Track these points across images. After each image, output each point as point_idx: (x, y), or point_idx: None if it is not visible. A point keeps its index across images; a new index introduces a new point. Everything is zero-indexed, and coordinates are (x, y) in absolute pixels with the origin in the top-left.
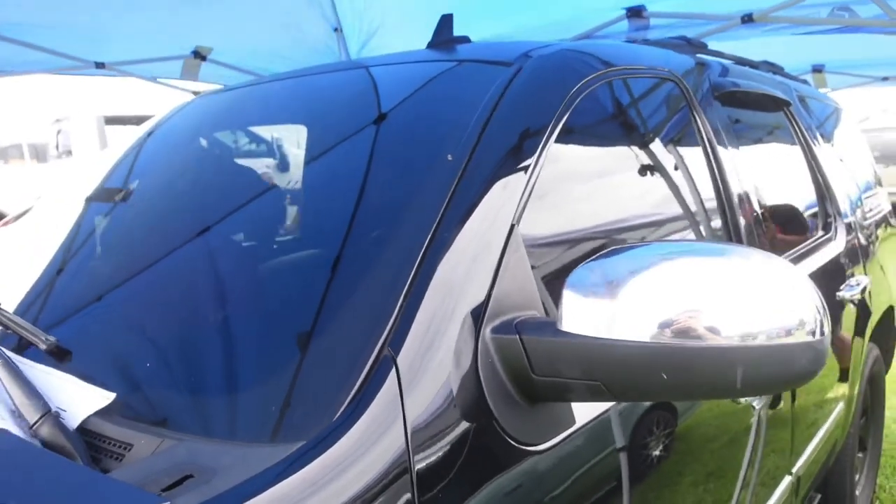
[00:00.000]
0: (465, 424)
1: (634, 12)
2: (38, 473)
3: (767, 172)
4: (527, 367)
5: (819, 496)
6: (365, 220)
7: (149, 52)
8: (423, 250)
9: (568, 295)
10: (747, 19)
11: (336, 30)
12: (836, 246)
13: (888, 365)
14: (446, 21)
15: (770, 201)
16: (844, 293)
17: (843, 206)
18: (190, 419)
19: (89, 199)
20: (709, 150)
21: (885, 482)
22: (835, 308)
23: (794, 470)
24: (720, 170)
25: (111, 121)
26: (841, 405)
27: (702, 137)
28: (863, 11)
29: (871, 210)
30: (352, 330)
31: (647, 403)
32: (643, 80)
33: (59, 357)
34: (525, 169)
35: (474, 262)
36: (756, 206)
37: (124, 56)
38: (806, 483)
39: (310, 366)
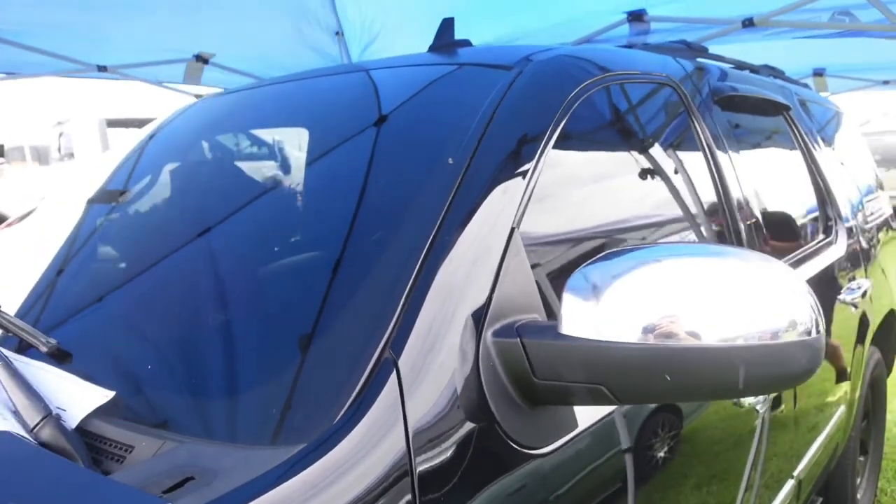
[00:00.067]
0: (466, 427)
1: (635, 16)
2: (40, 475)
3: (768, 176)
4: (528, 370)
5: (820, 499)
6: (366, 222)
7: (151, 55)
8: (424, 253)
9: (568, 298)
10: (748, 23)
11: (337, 33)
12: (837, 250)
13: (889, 368)
14: (447, 25)
15: (770, 205)
16: (845, 297)
17: (844, 209)
18: (191, 421)
19: (91, 202)
20: (708, 154)
21: (886, 485)
22: (836, 312)
23: (795, 473)
24: (719, 174)
25: (113, 123)
26: (842, 409)
27: (700, 142)
28: (863, 16)
29: (872, 214)
30: (353, 332)
31: (650, 406)
32: (641, 85)
33: (59, 359)
34: (525, 172)
35: (475, 266)
36: (756, 211)
37: (127, 59)
38: (807, 486)
39: (311, 368)
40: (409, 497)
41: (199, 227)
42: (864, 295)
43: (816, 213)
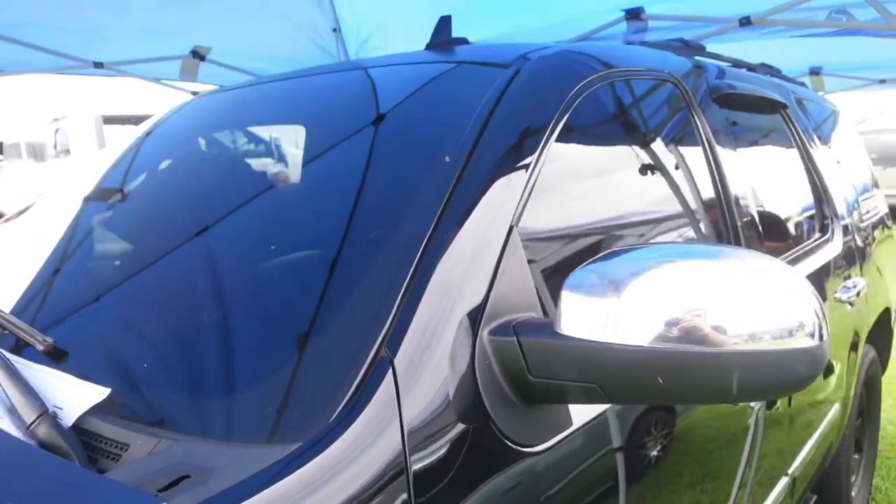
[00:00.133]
0: (461, 426)
1: (633, 14)
2: (35, 474)
3: (765, 174)
4: (524, 368)
5: (815, 497)
6: (363, 220)
7: (147, 51)
8: (420, 252)
9: (566, 297)
10: (745, 22)
11: (335, 30)
12: (832, 248)
13: (884, 367)
14: (445, 22)
15: (767, 203)
16: (841, 295)
17: (840, 208)
18: (187, 420)
19: (87, 199)
20: (707, 151)
21: (880, 483)
22: (831, 310)
23: (790, 471)
24: (718, 171)
25: (109, 120)
26: (837, 407)
27: (700, 139)
28: (860, 15)
29: (868, 212)
30: (349, 330)
31: (644, 405)
32: (642, 81)
33: (56, 358)
34: (523, 170)
35: (472, 264)
36: (753, 208)
37: (123, 56)
38: (802, 484)
39: (307, 366)
40: (404, 495)
41: (195, 225)
42: (859, 293)
43: (813, 211)
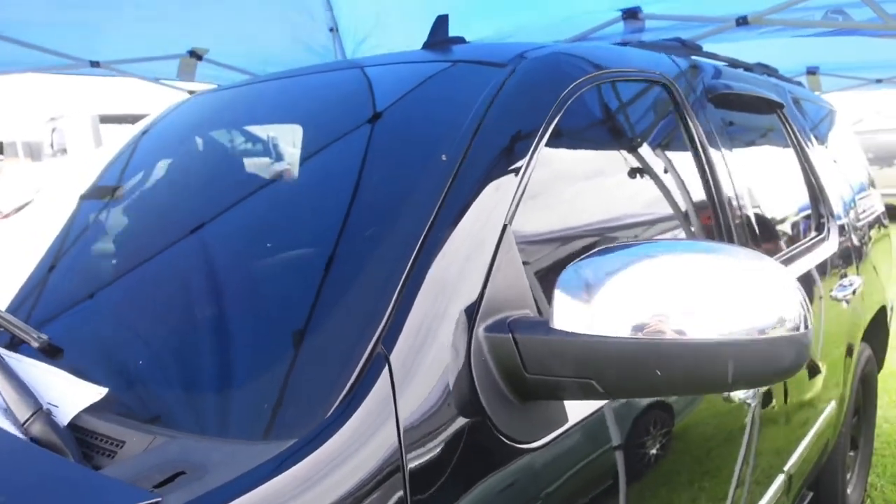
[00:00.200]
0: (457, 422)
1: (630, 14)
2: (30, 470)
3: (761, 174)
4: (519, 365)
5: (811, 494)
6: (359, 218)
7: (144, 51)
8: (416, 249)
9: (559, 294)
10: (742, 21)
11: (332, 30)
12: (828, 247)
13: (880, 365)
14: (441, 22)
15: (763, 203)
16: (837, 293)
17: (836, 207)
18: (182, 416)
19: (83, 198)
20: (700, 152)
21: (876, 481)
22: (827, 308)
23: (786, 468)
24: (712, 171)
25: (106, 120)
26: (833, 404)
27: (692, 140)
28: (856, 14)
29: (864, 211)
30: (345, 328)
31: (641, 401)
32: (635, 82)
33: (51, 355)
34: (518, 169)
35: (467, 262)
36: (748, 208)
37: (120, 55)
38: (798, 481)
39: (302, 363)
40: (400, 492)
41: (191, 223)
42: (855, 292)
43: (809, 211)
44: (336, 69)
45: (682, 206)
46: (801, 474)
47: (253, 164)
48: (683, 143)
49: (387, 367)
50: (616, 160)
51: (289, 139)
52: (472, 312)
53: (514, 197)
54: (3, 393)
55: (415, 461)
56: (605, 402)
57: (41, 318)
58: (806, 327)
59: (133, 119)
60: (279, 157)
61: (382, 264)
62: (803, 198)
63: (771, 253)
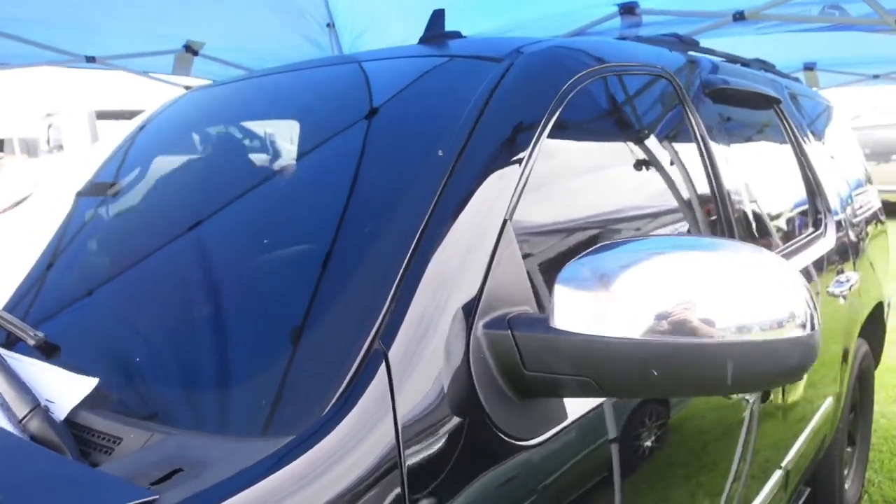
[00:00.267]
0: (455, 419)
1: (627, 9)
2: (28, 467)
3: (758, 169)
4: (518, 362)
5: (808, 490)
6: (356, 214)
7: (140, 46)
8: (414, 245)
9: (559, 291)
10: (739, 17)
11: (329, 25)
12: (826, 243)
13: (877, 361)
14: (438, 16)
15: (760, 199)
16: (834, 289)
17: (833, 203)
18: (180, 413)
19: (80, 194)
20: (700, 146)
21: (873, 476)
22: (824, 304)
23: (783, 464)
24: (712, 166)
25: (103, 115)
26: (830, 400)
27: (693, 134)
28: (853, 10)
29: (861, 207)
30: (342, 324)
31: (639, 398)
32: (635, 76)
33: (47, 352)
34: (517, 164)
35: (466, 257)
36: (747, 203)
37: (115, 50)
38: (795, 477)
39: (300, 360)
40: (398, 489)
41: (187, 219)
42: (852, 288)
43: (806, 206)
44: (333, 64)
45: (682, 200)
46: (799, 470)
47: (249, 160)
48: (683, 137)
49: (384, 363)
50: (616, 155)
51: (285, 134)
52: (470, 309)
53: (513, 192)
54: (1, 390)
55: (413, 458)
56: (604, 399)
57: (38, 316)
58: (813, 328)
59: (130, 115)
60: (276, 153)
61: (380, 260)
62: (800, 194)
63: (769, 248)
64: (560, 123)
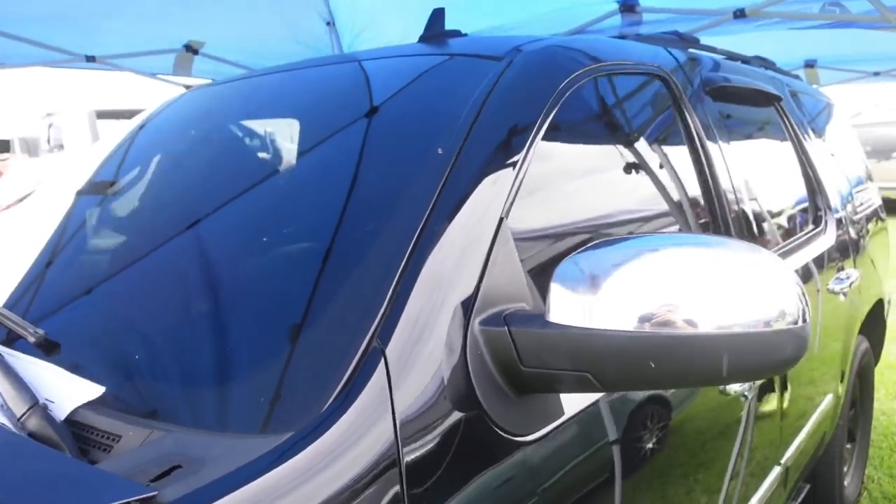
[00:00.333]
0: (453, 416)
1: (627, 7)
2: (26, 465)
3: (758, 167)
4: (515, 358)
5: (808, 487)
6: (355, 212)
7: (141, 45)
8: (412, 243)
9: (555, 287)
10: (739, 14)
11: (328, 24)
12: (826, 240)
13: (877, 358)
14: (438, 14)
15: (760, 196)
16: (834, 286)
17: (834, 200)
18: (179, 410)
19: (80, 193)
20: (697, 145)
21: (873, 473)
22: (824, 301)
23: (782, 461)
24: (709, 165)
25: (103, 115)
26: (830, 397)
27: (689, 133)
28: (853, 7)
29: (861, 204)
30: (341, 321)
31: (637, 394)
32: (633, 76)
33: (47, 350)
34: (514, 163)
35: (463, 255)
36: (746, 201)
37: (116, 50)
38: (794, 473)
39: (298, 357)
40: (397, 486)
41: (187, 218)
42: (852, 285)
43: (806, 204)
44: (333, 63)
45: (680, 199)
46: (798, 467)
47: (249, 159)
48: (681, 136)
49: (383, 360)
50: (613, 153)
51: (285, 133)
52: (468, 306)
53: (510, 190)
54: (0, 387)
55: (411, 455)
56: (602, 395)
57: (39, 314)
58: (804, 320)
59: (130, 115)
60: (275, 152)
61: (378, 258)
62: (801, 191)
63: (768, 246)
64: (558, 122)
